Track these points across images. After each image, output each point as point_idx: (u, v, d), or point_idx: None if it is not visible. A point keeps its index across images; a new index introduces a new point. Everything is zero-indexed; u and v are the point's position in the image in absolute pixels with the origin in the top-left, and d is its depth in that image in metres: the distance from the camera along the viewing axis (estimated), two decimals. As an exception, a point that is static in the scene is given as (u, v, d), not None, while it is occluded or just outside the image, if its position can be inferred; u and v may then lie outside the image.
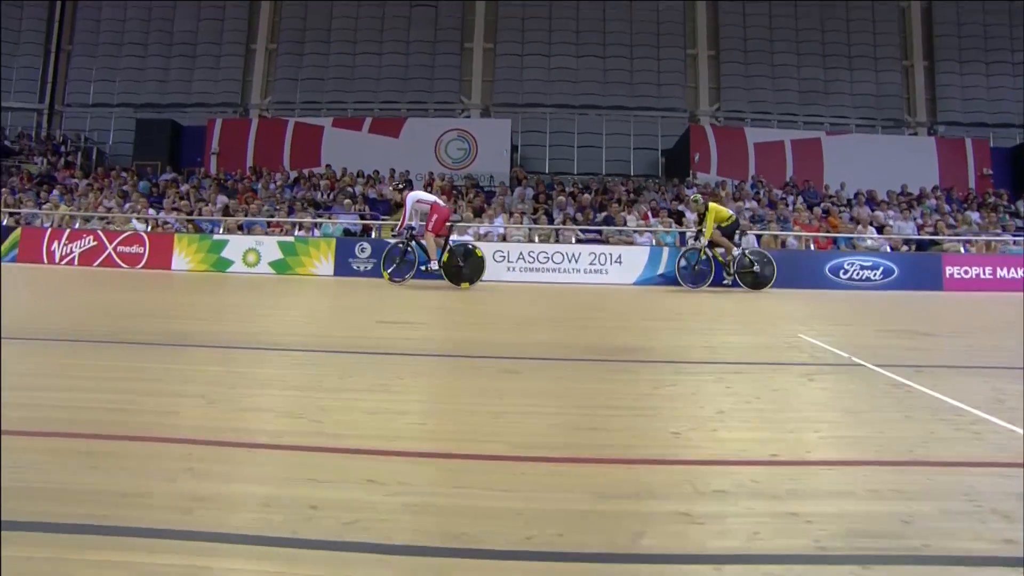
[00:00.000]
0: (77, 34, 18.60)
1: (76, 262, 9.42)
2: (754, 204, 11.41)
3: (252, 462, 1.68)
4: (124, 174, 13.25)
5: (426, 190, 13.52)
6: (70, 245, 9.38)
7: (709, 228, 8.42)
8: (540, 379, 2.76)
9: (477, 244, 8.44)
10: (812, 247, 9.67)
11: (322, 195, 11.29)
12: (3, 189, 11.93)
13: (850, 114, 17.97)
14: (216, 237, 9.38)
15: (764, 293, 8.29)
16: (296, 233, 9.79)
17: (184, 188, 12.00)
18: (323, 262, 9.50)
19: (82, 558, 1.12)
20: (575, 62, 17.73)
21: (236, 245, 9.43)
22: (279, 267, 9.56)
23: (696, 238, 8.83)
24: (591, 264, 9.17)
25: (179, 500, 1.37)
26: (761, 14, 18.27)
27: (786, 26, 18.23)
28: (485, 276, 8.13)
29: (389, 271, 8.02)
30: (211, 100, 17.95)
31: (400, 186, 8.39)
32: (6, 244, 9.28)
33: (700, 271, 8.73)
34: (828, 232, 9.84)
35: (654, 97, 17.79)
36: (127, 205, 10.76)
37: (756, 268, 8.61)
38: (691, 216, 9.83)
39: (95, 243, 9.43)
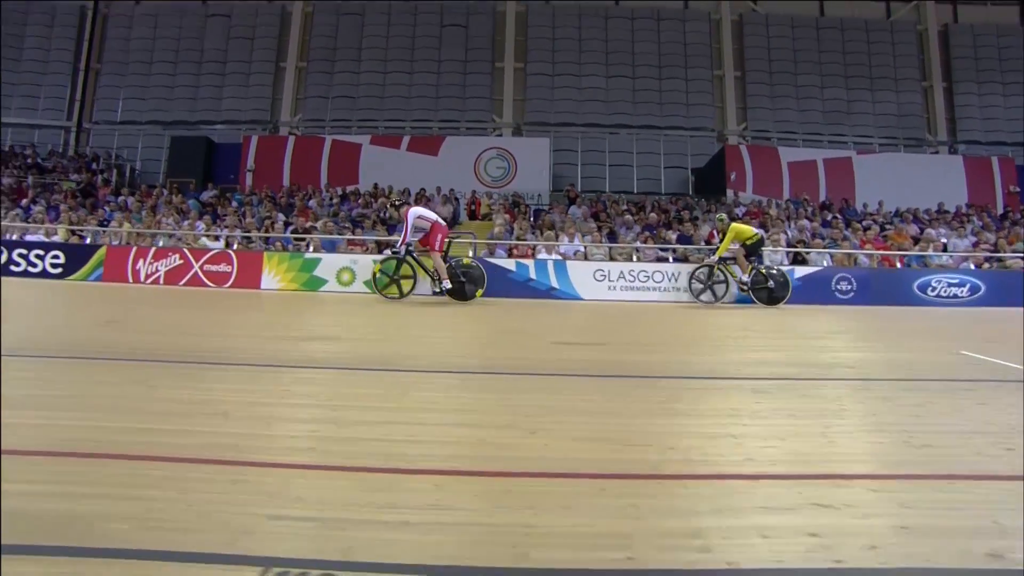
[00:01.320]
0: (106, 52, 18.59)
1: (162, 281, 9.27)
2: (802, 222, 11.45)
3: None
4: (164, 191, 13.12)
5: (469, 209, 13.60)
6: (156, 264, 9.15)
7: (724, 245, 8.60)
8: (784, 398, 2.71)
9: (471, 257, 8.45)
10: (880, 265, 9.66)
11: (384, 213, 11.22)
12: (42, 205, 11.78)
13: (873, 133, 18.29)
14: (307, 255, 9.17)
15: (818, 309, 8.31)
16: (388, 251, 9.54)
17: (237, 206, 11.89)
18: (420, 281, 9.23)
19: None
20: (605, 82, 17.95)
21: (329, 264, 9.11)
22: (373, 286, 9.21)
23: (712, 254, 8.96)
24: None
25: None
26: (784, 36, 18.66)
27: (809, 48, 18.62)
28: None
29: (382, 287, 7.97)
30: (241, 117, 17.96)
31: (398, 202, 8.25)
32: (90, 264, 9.07)
33: (715, 287, 8.84)
34: (898, 250, 9.88)
35: (683, 117, 18.03)
36: (185, 222, 10.63)
37: (770, 284, 8.70)
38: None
39: (181, 261, 9.22)
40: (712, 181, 16.45)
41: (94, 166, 16.00)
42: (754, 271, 8.68)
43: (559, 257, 9.29)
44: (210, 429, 2.02)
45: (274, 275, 8.99)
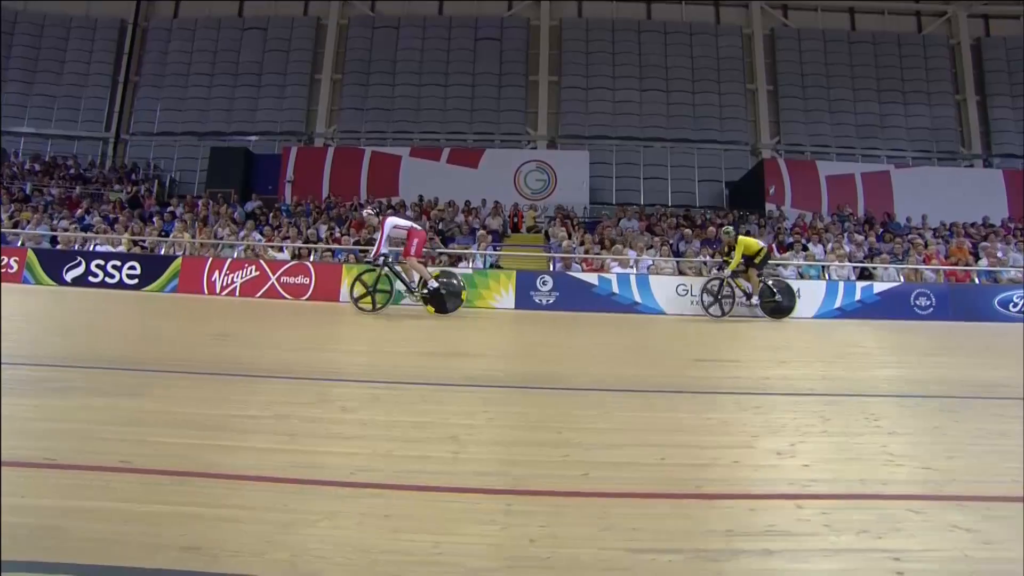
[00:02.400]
0: (145, 65, 18.83)
1: (238, 293, 9.25)
2: (859, 237, 11.36)
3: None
4: (207, 201, 13.20)
5: (511, 221, 13.58)
6: (231, 275, 9.15)
7: (736, 259, 8.55)
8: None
9: (451, 270, 8.27)
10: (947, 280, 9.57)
11: (440, 225, 11.25)
12: (97, 215, 11.87)
13: (907, 147, 18.23)
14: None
15: (906, 326, 8.22)
16: (477, 265, 9.46)
17: (287, 217, 11.94)
18: (504, 295, 9.28)
19: None
20: (639, 95, 18.01)
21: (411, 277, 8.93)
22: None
23: (720, 268, 8.94)
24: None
25: None
26: (816, 50, 18.70)
27: (841, 62, 18.63)
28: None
29: (357, 299, 7.68)
30: (276, 129, 18.11)
31: (375, 211, 8.08)
32: (166, 275, 9.09)
33: (724, 300, 8.79)
34: (962, 265, 9.79)
35: (717, 130, 18.04)
36: (241, 233, 10.67)
37: (778, 298, 8.67)
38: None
39: (257, 273, 9.27)
40: (749, 194, 16.40)
41: (133, 177, 16.13)
42: (761, 285, 8.67)
43: (643, 272, 9.25)
44: (475, 455, 1.99)
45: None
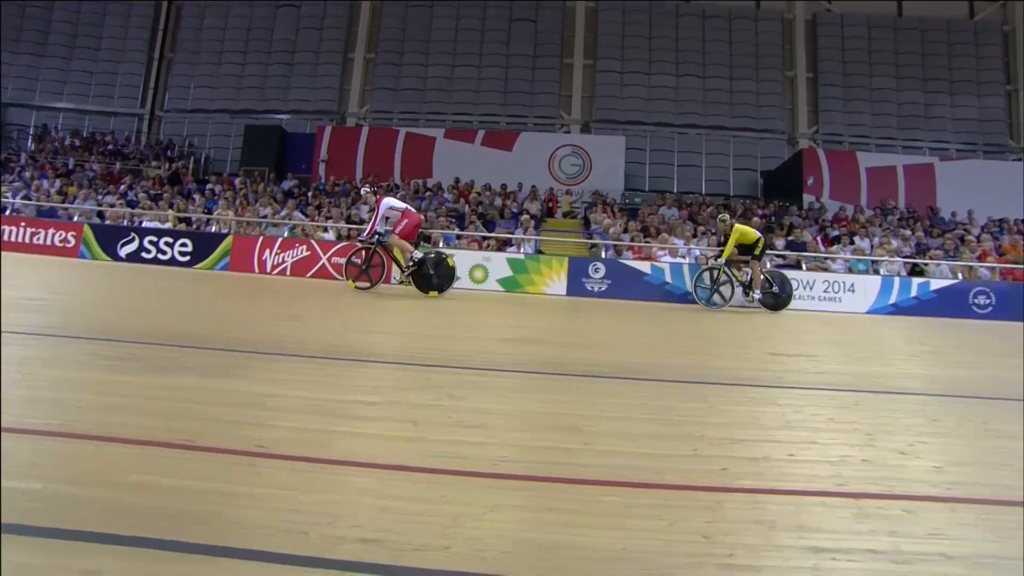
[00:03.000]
0: (179, 42, 18.88)
1: (288, 272, 9.26)
2: (905, 232, 11.08)
3: None
4: (244, 179, 13.27)
5: (546, 206, 13.46)
6: (282, 254, 9.21)
7: (729, 248, 8.34)
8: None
9: (449, 253, 8.21)
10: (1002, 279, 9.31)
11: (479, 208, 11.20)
12: (135, 190, 12.02)
13: (951, 139, 17.66)
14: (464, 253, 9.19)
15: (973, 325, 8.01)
16: (526, 250, 9.45)
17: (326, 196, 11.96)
18: (556, 281, 9.20)
19: None
20: (675, 80, 17.66)
21: (462, 260, 8.80)
22: (508, 285, 9.27)
23: (717, 257, 8.72)
24: (825, 292, 8.99)
25: None
26: (860, 37, 18.11)
27: (885, 49, 18.04)
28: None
29: (352, 276, 7.67)
30: (308, 107, 18.10)
31: (375, 191, 8.01)
32: (217, 253, 9.21)
33: (721, 290, 8.55)
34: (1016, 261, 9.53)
35: (753, 118, 17.65)
36: (283, 211, 10.74)
37: (775, 289, 8.46)
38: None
39: (308, 253, 9.28)
40: (785, 185, 16.07)
41: (169, 153, 16.29)
42: (751, 275, 8.43)
43: (692, 261, 9.15)
44: (606, 446, 1.97)
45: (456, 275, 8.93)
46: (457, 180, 13.70)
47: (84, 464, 1.65)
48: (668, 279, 9.10)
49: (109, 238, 9.71)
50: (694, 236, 10.09)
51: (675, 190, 16.85)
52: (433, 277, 7.52)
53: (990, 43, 17.91)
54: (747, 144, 17.63)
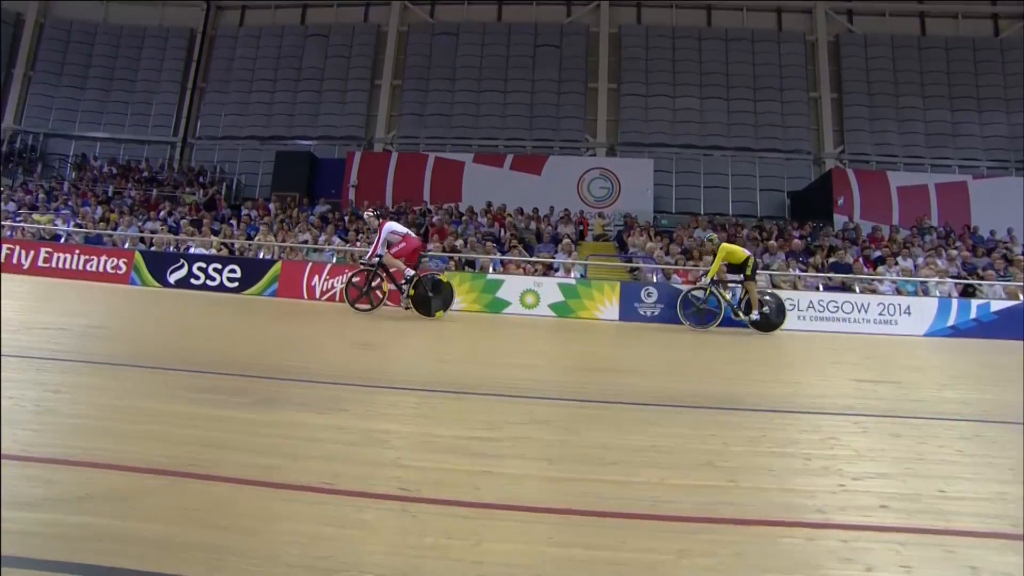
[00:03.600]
0: (212, 71, 19.43)
1: (338, 298, 9.20)
2: (951, 252, 10.90)
3: None
4: (280, 204, 13.47)
5: (576, 229, 13.47)
6: (331, 280, 9.29)
7: (715, 267, 8.33)
8: None
9: (444, 274, 8.16)
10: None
11: (523, 232, 11.24)
12: (170, 217, 12.23)
13: (981, 156, 17.50)
14: (490, 276, 9.33)
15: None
16: (579, 275, 9.52)
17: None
18: (608, 306, 9.20)
19: None
20: (699, 103, 17.76)
21: (512, 285, 9.13)
22: (560, 310, 9.26)
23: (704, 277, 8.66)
24: (880, 314, 8.85)
25: None
26: (884, 57, 18.13)
27: (910, 68, 18.03)
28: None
29: (351, 299, 7.68)
30: (336, 133, 18.43)
31: (377, 213, 8.04)
32: (266, 279, 9.31)
33: (706, 311, 8.48)
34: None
35: (779, 139, 17.66)
36: (322, 237, 10.86)
37: (766, 310, 8.29)
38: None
39: (359, 278, 9.27)
40: (813, 205, 15.96)
41: (202, 179, 16.62)
42: (748, 296, 8.32)
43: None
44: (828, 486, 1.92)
45: (456, 295, 9.00)
46: (489, 204, 13.79)
47: (221, 507, 1.58)
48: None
49: (159, 264, 9.85)
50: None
51: (702, 211, 16.83)
52: (432, 299, 7.56)
53: (1017, 60, 17.83)
54: (773, 165, 17.60)
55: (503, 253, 10.17)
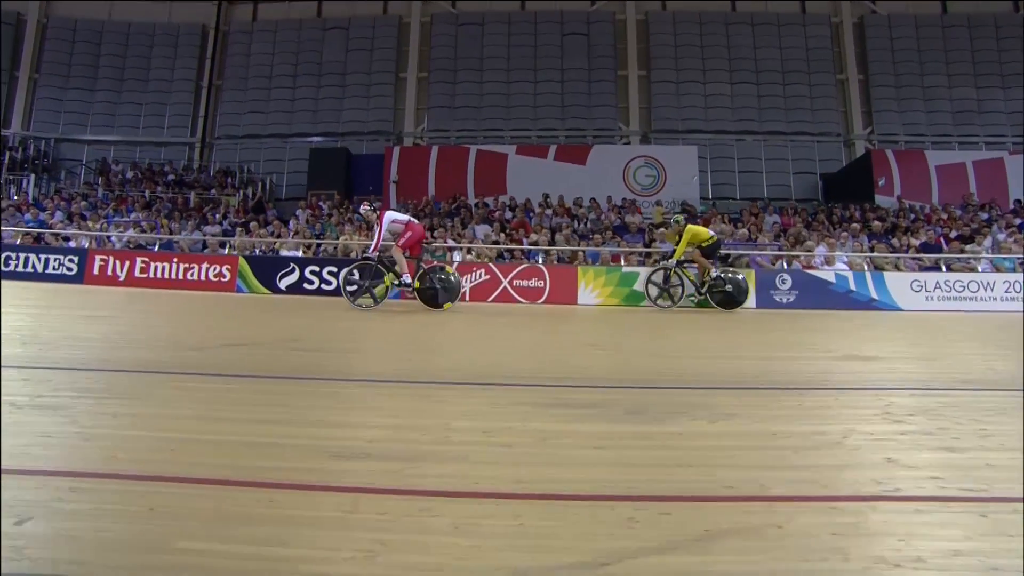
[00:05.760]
0: (227, 68, 18.81)
1: (468, 297, 9.08)
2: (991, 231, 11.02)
3: None
4: (330, 203, 13.11)
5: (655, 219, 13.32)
6: (461, 278, 8.97)
7: (681, 248, 8.58)
8: None
9: (448, 264, 8.11)
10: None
11: (583, 224, 11.07)
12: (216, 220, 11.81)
13: (1007, 132, 17.74)
14: (626, 270, 9.16)
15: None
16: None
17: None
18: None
19: None
20: (729, 88, 17.70)
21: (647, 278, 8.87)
22: (700, 302, 8.95)
23: (668, 257, 8.94)
24: (1006, 292, 8.87)
25: None
26: (908, 37, 18.23)
27: (934, 47, 18.16)
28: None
29: (352, 294, 7.46)
30: (363, 129, 18.01)
31: (374, 206, 7.87)
32: (387, 280, 8.96)
33: (672, 290, 8.82)
34: None
35: (808, 122, 17.69)
36: None
37: (728, 288, 8.59)
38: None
39: (487, 277, 9.15)
40: (849, 186, 16.04)
41: (230, 180, 16.12)
42: (713, 275, 8.63)
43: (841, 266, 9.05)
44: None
45: (591, 290, 8.94)
46: (545, 196, 13.54)
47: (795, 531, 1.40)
48: (852, 287, 9.02)
49: (265, 270, 9.42)
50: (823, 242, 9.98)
51: (737, 196, 16.85)
52: (439, 291, 7.41)
53: (1038, 36, 18.05)
54: (804, 148, 17.64)
55: (592, 245, 10.00)
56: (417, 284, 7.36)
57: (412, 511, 1.48)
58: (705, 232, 8.72)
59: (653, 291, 8.78)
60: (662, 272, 8.84)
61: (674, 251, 8.71)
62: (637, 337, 5.48)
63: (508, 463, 1.86)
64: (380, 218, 7.38)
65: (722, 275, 8.66)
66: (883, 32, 18.33)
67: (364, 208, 7.90)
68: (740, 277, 8.77)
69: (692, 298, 8.79)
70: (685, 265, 8.74)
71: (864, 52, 18.24)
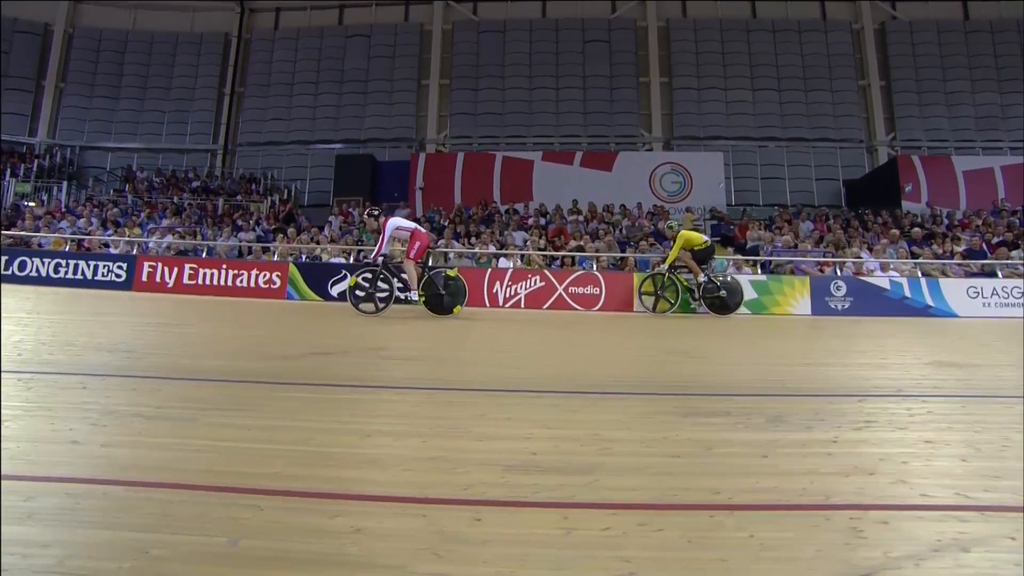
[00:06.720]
0: (250, 76, 18.92)
1: (523, 304, 9.11)
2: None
3: None
4: (360, 210, 13.12)
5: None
6: (514, 286, 9.13)
7: (674, 253, 8.62)
8: None
9: (452, 268, 8.03)
10: None
11: (619, 231, 11.05)
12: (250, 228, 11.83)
13: (1032, 138, 17.68)
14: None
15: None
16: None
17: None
18: (800, 301, 9.15)
19: None
20: (751, 95, 17.71)
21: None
22: (754, 307, 9.24)
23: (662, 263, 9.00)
24: None
25: None
26: (930, 43, 18.21)
27: (957, 53, 18.13)
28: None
29: (357, 301, 7.41)
30: (386, 135, 18.07)
31: (376, 212, 7.73)
32: None
33: (666, 296, 8.83)
34: None
35: (831, 128, 17.67)
36: (440, 240, 10.55)
37: (723, 293, 8.60)
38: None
39: (542, 284, 9.12)
40: (874, 192, 15.98)
41: (255, 187, 16.17)
42: (706, 279, 8.62)
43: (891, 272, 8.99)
44: None
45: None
46: (575, 202, 13.52)
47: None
48: (907, 293, 8.96)
49: (316, 276, 9.41)
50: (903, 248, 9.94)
51: (761, 203, 16.81)
52: (444, 297, 7.34)
53: (1061, 40, 18.00)
54: (827, 154, 17.61)
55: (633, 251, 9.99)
56: (421, 292, 7.30)
57: (630, 526, 1.44)
58: (698, 237, 8.84)
59: (648, 297, 8.86)
60: (657, 278, 8.90)
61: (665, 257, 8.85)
62: (718, 344, 5.44)
63: (690, 473, 1.83)
64: (383, 225, 7.29)
65: (714, 280, 8.70)
66: (905, 38, 18.32)
67: (367, 214, 7.80)
68: (734, 281, 8.83)
69: (692, 302, 8.80)
70: (678, 270, 8.79)
71: (886, 58, 18.22)
